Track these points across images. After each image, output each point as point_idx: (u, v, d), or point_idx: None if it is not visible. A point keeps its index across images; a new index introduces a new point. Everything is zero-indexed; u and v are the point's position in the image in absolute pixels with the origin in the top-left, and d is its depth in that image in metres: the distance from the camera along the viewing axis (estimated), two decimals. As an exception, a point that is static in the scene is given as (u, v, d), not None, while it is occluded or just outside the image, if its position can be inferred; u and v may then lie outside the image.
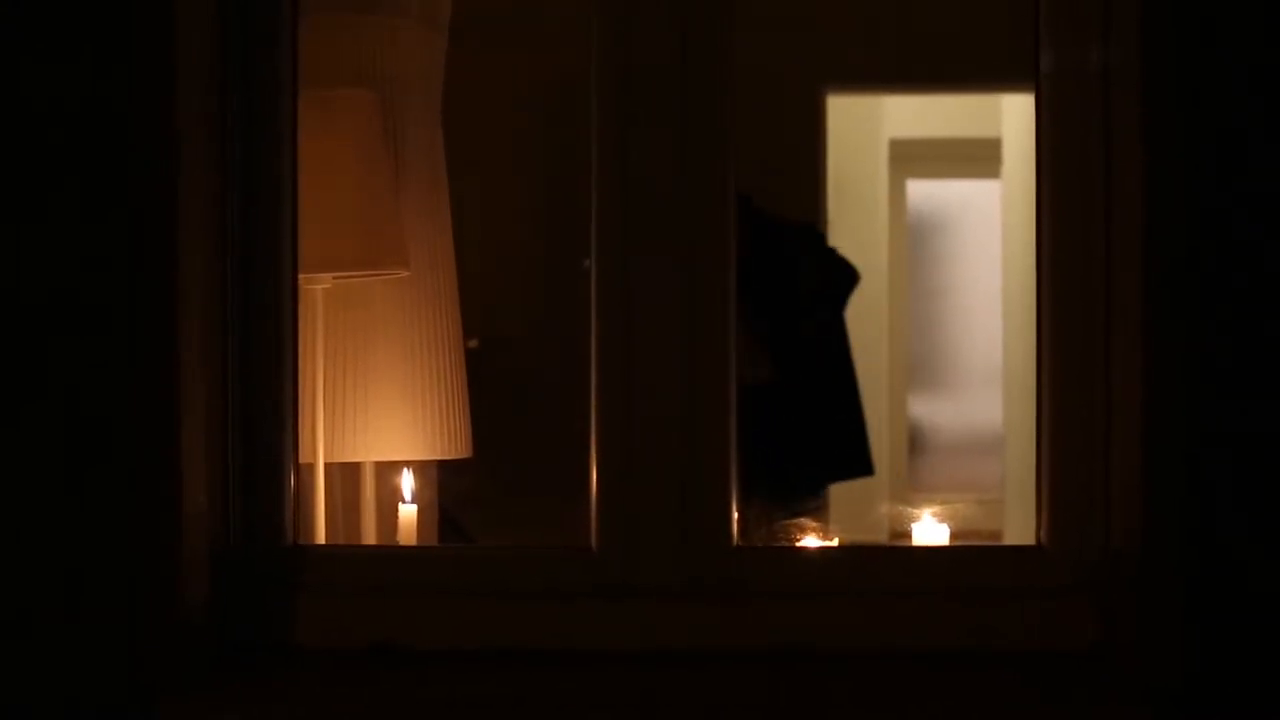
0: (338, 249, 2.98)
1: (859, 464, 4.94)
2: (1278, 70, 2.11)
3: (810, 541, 2.95)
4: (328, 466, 3.08)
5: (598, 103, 2.36)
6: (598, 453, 2.36)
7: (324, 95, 3.00)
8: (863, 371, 5.75)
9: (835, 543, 2.94)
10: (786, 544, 2.89)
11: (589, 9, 2.37)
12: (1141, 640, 2.16)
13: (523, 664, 2.28)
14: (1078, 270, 2.31)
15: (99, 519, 2.13)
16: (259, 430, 2.35)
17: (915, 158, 6.29)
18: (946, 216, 6.40)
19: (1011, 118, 5.60)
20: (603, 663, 2.28)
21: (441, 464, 3.39)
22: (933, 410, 6.32)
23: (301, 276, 2.48)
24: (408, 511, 3.09)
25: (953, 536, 2.83)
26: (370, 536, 3.18)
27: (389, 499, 3.20)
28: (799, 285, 4.61)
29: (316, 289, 3.02)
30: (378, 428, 3.15)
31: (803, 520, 3.11)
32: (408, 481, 3.12)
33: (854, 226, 5.92)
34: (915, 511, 2.87)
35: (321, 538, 3.01)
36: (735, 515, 2.36)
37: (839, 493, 5.10)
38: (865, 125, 6.04)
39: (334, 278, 3.05)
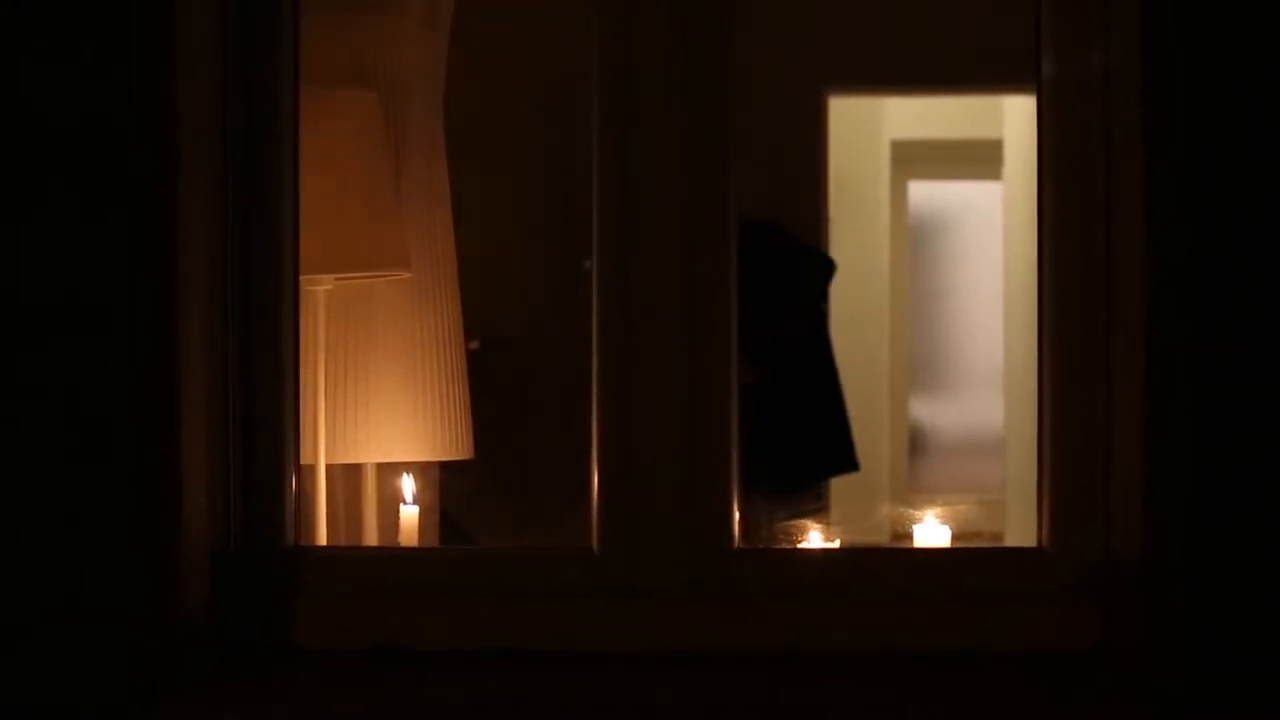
0: (339, 250, 2.98)
1: (843, 460, 4.91)
2: (1278, 71, 2.11)
3: (811, 543, 2.95)
4: (329, 467, 3.08)
5: (598, 103, 2.36)
6: (599, 454, 2.35)
7: (325, 95, 3.00)
8: (864, 373, 5.75)
9: (836, 544, 2.95)
10: (787, 545, 2.89)
11: (589, 9, 2.37)
12: (1142, 641, 2.16)
13: (523, 665, 2.27)
14: (1079, 272, 2.31)
15: (99, 520, 2.13)
16: (260, 431, 2.35)
17: (917, 159, 6.28)
18: (948, 218, 6.39)
19: (1013, 119, 5.59)
20: (603, 664, 2.28)
21: (443, 465, 3.39)
22: (934, 411, 6.31)
23: (302, 277, 2.48)
24: (409, 512, 3.09)
25: (954, 538, 2.83)
26: (371, 538, 3.18)
27: (390, 500, 3.20)
28: (770, 285, 4.57)
29: (318, 290, 3.02)
30: (379, 429, 3.15)
31: (804, 521, 3.11)
32: (408, 483, 3.12)
33: (855, 228, 5.91)
34: (917, 513, 2.87)
35: (323, 539, 3.00)
36: (736, 516, 2.36)
37: (840, 494, 5.09)
38: (866, 126, 6.03)
39: (335, 279, 3.05)
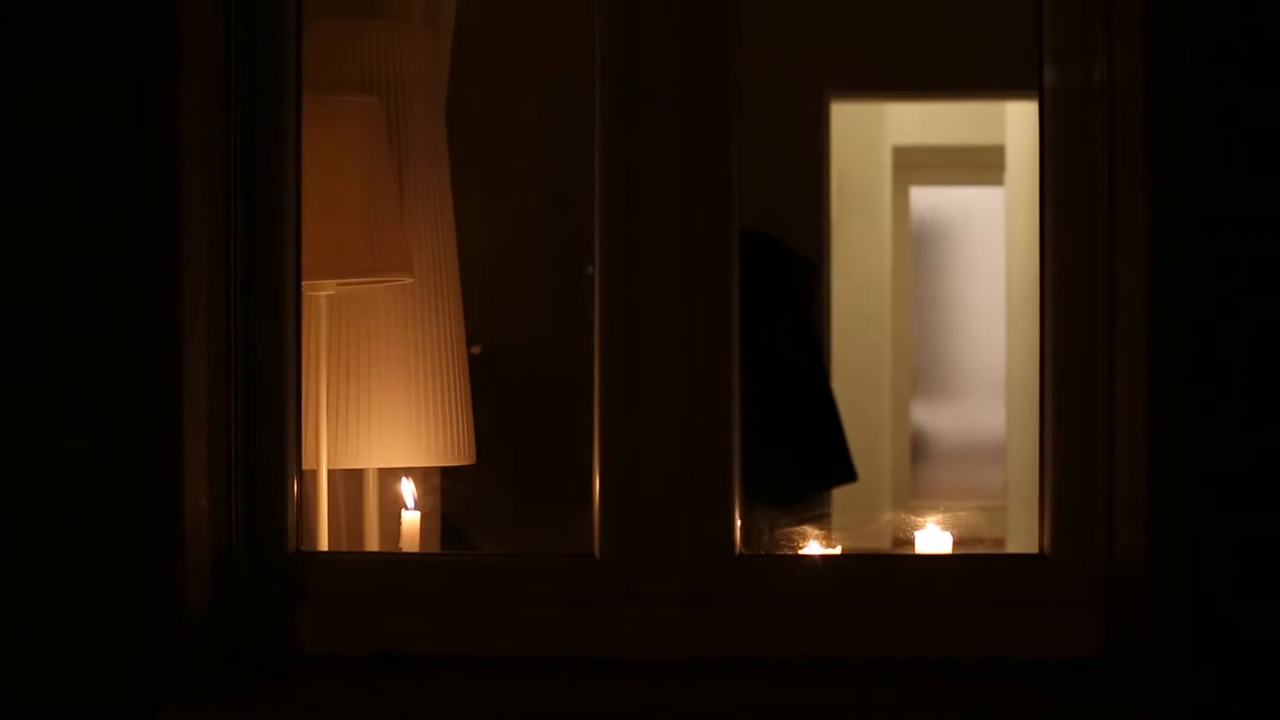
0: (342, 255, 2.97)
1: (841, 471, 4.88)
2: (1282, 79, 2.11)
3: (813, 549, 2.94)
4: (330, 473, 3.07)
5: (601, 109, 2.36)
6: (600, 459, 2.36)
7: (328, 101, 2.99)
8: (865, 378, 5.74)
9: (838, 550, 2.94)
10: (789, 552, 2.88)
11: (592, 13, 2.37)
12: (1145, 648, 2.16)
13: (525, 670, 2.27)
14: (1080, 278, 2.31)
15: (100, 523, 2.13)
16: (262, 437, 2.35)
17: (919, 164, 6.28)
18: (950, 223, 6.39)
19: (1015, 125, 5.59)
20: (606, 670, 2.28)
21: (444, 470, 3.39)
22: (936, 417, 6.31)
23: (305, 283, 2.48)
24: (410, 518, 3.08)
25: (955, 544, 2.82)
26: (373, 543, 3.17)
27: (392, 506, 3.20)
28: (759, 293, 4.53)
29: (320, 295, 3.02)
30: (381, 434, 3.15)
31: (805, 528, 3.11)
32: (410, 488, 3.11)
33: (857, 233, 5.91)
34: (918, 519, 2.87)
35: (324, 544, 3.00)
36: (738, 522, 2.36)
37: (842, 500, 5.09)
38: (869, 132, 6.03)
39: (338, 284, 3.05)
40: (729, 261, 2.35)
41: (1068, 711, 2.16)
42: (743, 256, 2.35)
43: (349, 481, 3.24)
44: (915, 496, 6.07)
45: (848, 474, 4.87)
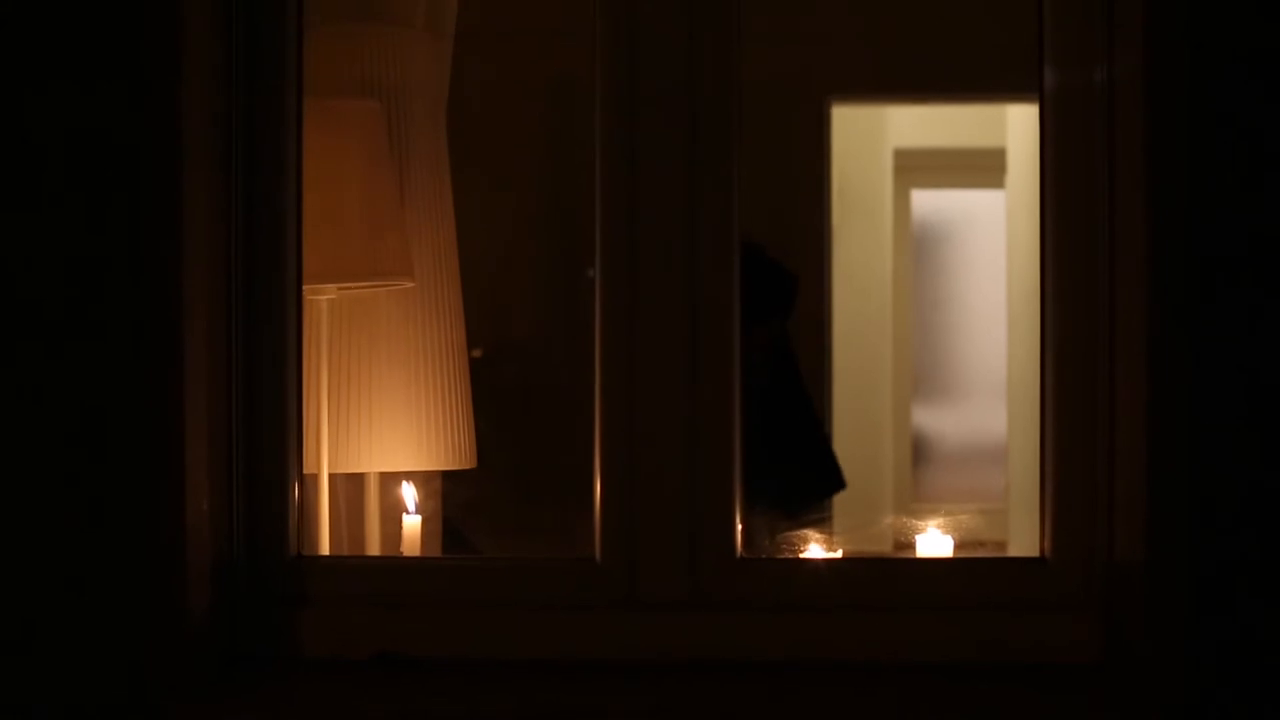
0: (342, 260, 2.97)
1: (829, 481, 4.82)
2: (1281, 83, 2.11)
3: (814, 552, 2.95)
4: (331, 477, 3.08)
5: (602, 111, 2.36)
6: (601, 463, 2.36)
7: (329, 106, 3.00)
8: (866, 381, 5.74)
9: (839, 554, 2.94)
10: (790, 555, 2.88)
11: (593, 17, 2.37)
12: (1145, 652, 2.16)
13: (527, 675, 2.27)
14: (1081, 282, 2.31)
15: (101, 529, 2.13)
16: (263, 441, 2.36)
17: (920, 167, 6.28)
18: (951, 226, 6.39)
19: (1016, 128, 5.59)
20: (607, 674, 2.28)
21: (445, 474, 3.39)
22: (937, 419, 6.31)
23: (306, 287, 2.48)
24: (411, 522, 3.08)
25: (956, 547, 2.82)
26: (374, 547, 3.17)
27: (393, 510, 3.20)
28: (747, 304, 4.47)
29: (321, 300, 3.02)
30: (381, 438, 3.15)
31: (806, 531, 3.11)
32: (411, 492, 3.11)
33: (858, 236, 5.91)
34: (919, 523, 2.87)
35: (325, 548, 3.00)
36: (739, 526, 2.36)
37: (843, 503, 5.09)
38: (870, 135, 6.03)
39: (338, 288, 3.05)
40: (729, 264, 2.35)
41: (1068, 715, 2.16)
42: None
43: (350, 486, 3.25)
44: (916, 500, 6.07)
45: (835, 482, 4.82)
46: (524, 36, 4.54)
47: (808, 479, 4.62)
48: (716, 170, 2.35)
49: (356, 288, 3.10)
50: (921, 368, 6.29)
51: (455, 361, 3.25)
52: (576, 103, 2.49)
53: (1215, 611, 2.10)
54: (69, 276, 2.13)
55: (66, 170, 2.13)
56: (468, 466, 3.29)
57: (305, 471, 2.49)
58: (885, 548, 4.10)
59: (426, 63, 3.29)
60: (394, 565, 2.76)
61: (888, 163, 6.10)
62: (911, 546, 2.84)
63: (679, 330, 2.34)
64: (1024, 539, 4.85)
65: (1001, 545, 5.02)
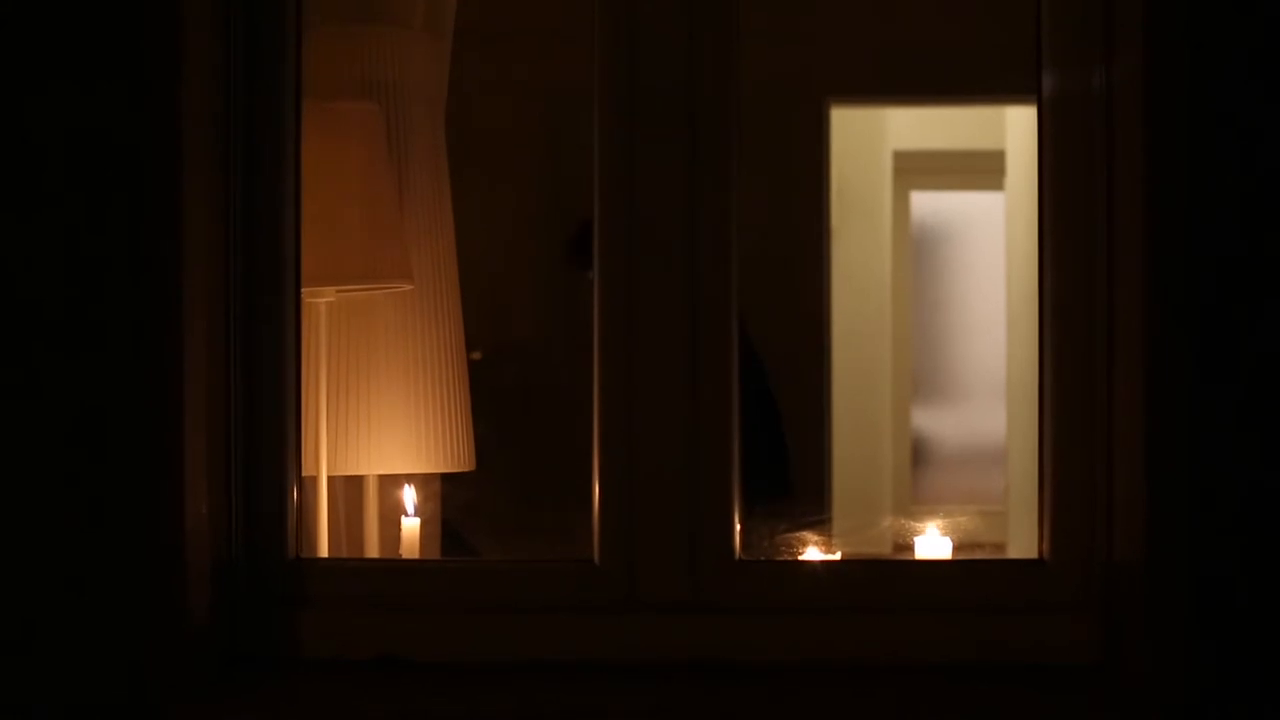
0: (341, 262, 2.98)
1: (776, 485, 4.73)
2: (1280, 84, 2.11)
3: (813, 554, 2.94)
4: (330, 479, 3.08)
5: (601, 113, 2.36)
6: (600, 466, 2.36)
7: (328, 107, 3.00)
8: (866, 383, 5.74)
9: (838, 556, 2.94)
10: (789, 557, 2.88)
11: (593, 18, 2.37)
12: (1145, 653, 2.16)
13: (526, 677, 2.27)
14: (1080, 282, 2.31)
15: (101, 529, 2.13)
16: (262, 443, 2.35)
17: (919, 169, 6.29)
18: (950, 228, 6.40)
19: (1015, 130, 5.60)
20: (607, 675, 2.28)
21: (445, 477, 3.39)
22: (936, 421, 6.31)
23: (305, 290, 2.48)
24: (410, 524, 3.08)
25: (955, 549, 2.82)
26: (373, 550, 3.17)
27: (392, 512, 3.20)
28: None
29: (319, 302, 3.02)
30: (380, 441, 3.15)
31: (805, 533, 3.10)
32: (410, 494, 3.11)
33: (858, 238, 5.91)
34: (918, 525, 2.87)
35: (324, 551, 3.00)
36: (738, 528, 2.36)
37: (842, 505, 5.09)
38: (869, 137, 6.04)
39: (337, 291, 3.05)
40: (728, 268, 2.35)
41: (1068, 715, 2.16)
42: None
43: (349, 488, 3.25)
44: (916, 501, 6.07)
45: (780, 489, 4.73)
46: (523, 36, 4.54)
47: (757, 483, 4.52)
48: (716, 170, 2.35)
49: (355, 290, 3.10)
50: (921, 369, 6.30)
51: (454, 364, 3.25)
52: (576, 104, 2.48)
53: (1215, 611, 2.10)
54: (69, 276, 2.13)
55: (66, 170, 2.13)
56: (467, 469, 3.29)
57: (304, 474, 2.49)
58: (884, 549, 4.10)
59: (425, 63, 3.29)
60: (393, 567, 2.76)
61: (887, 164, 6.10)
62: (911, 548, 2.84)
63: (678, 331, 2.34)
64: (1024, 541, 4.85)
65: (1001, 547, 5.03)
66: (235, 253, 2.33)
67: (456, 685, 2.25)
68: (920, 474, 6.24)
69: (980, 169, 6.01)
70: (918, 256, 6.33)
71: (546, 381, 4.49)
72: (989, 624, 2.31)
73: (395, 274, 3.08)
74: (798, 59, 4.85)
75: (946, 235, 6.38)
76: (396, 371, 3.18)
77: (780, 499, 4.62)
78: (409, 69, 3.24)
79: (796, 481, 4.81)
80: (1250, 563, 2.10)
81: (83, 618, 2.13)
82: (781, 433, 4.66)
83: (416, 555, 3.06)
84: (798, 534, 3.12)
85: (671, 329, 2.34)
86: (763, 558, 2.58)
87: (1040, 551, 2.33)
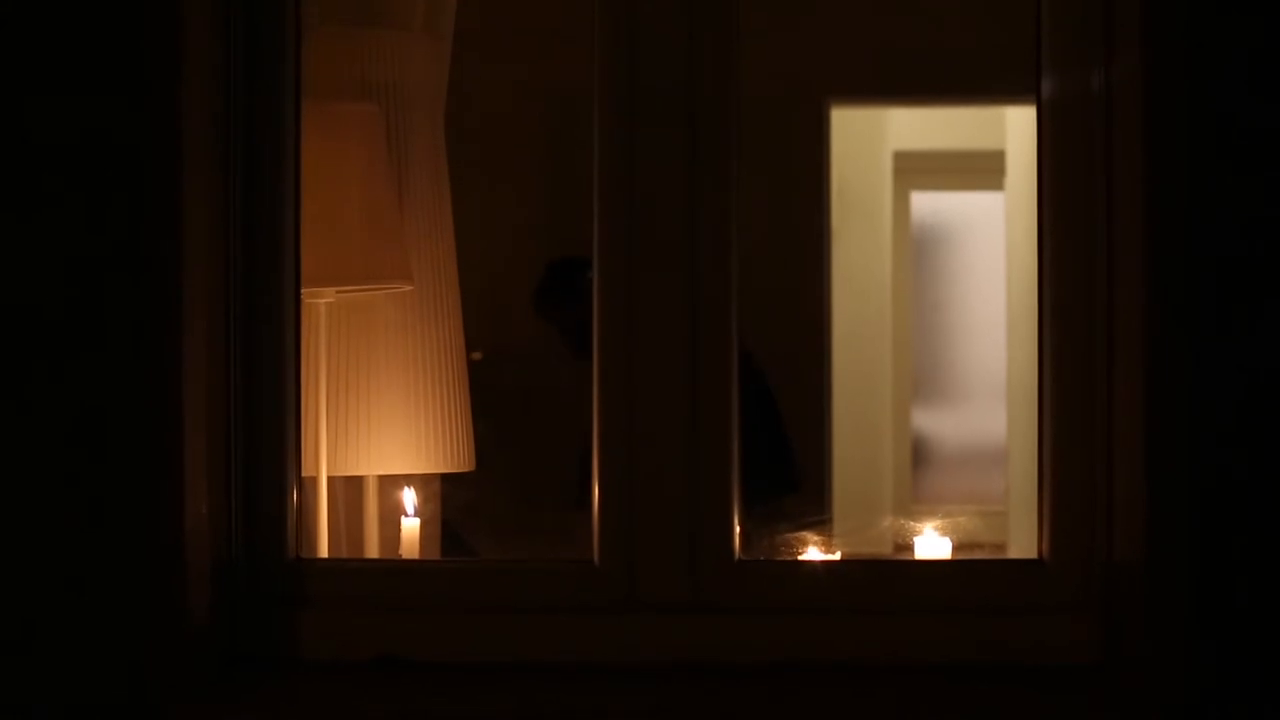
0: (340, 263, 2.98)
1: (780, 482, 4.71)
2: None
3: (813, 554, 2.95)
4: (330, 480, 3.08)
5: (601, 114, 2.36)
6: (599, 466, 2.35)
7: (328, 109, 3.00)
8: (866, 383, 5.75)
9: (838, 556, 2.94)
10: (789, 557, 2.89)
11: (593, 19, 2.37)
12: (1144, 653, 2.16)
13: (525, 677, 2.27)
14: (1080, 282, 2.31)
15: (101, 529, 2.13)
16: (261, 443, 2.35)
17: (919, 170, 6.30)
18: (950, 228, 6.41)
19: (1015, 130, 5.60)
20: (605, 676, 2.28)
21: (444, 477, 3.39)
22: (936, 422, 6.32)
23: (304, 291, 2.48)
24: (410, 525, 3.08)
25: (955, 549, 2.83)
26: (373, 550, 3.17)
27: (392, 512, 3.20)
28: None
29: (319, 303, 3.02)
30: (380, 441, 3.15)
31: (805, 534, 3.11)
32: (410, 495, 3.11)
33: (858, 238, 5.92)
34: (918, 525, 2.87)
35: (324, 551, 3.00)
36: (738, 529, 2.36)
37: (843, 505, 5.10)
38: (869, 137, 6.04)
39: (336, 291, 3.05)
40: (728, 268, 2.35)
41: (1068, 715, 2.16)
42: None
43: (349, 489, 3.25)
44: (916, 501, 6.08)
45: (786, 486, 4.71)
46: (523, 37, 4.55)
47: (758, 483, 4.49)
48: (716, 170, 2.35)
49: (355, 291, 3.10)
50: (921, 370, 6.30)
51: (454, 364, 3.25)
52: (576, 105, 2.48)
53: (1215, 611, 2.10)
54: (69, 277, 2.13)
55: (66, 170, 2.13)
56: (466, 469, 3.30)
57: (304, 475, 2.49)
58: (885, 549, 4.10)
59: (425, 64, 3.29)
60: (393, 568, 2.76)
61: (887, 165, 6.11)
62: (911, 548, 2.84)
63: (679, 331, 2.34)
64: (1024, 541, 4.86)
65: (1001, 548, 5.03)
66: (235, 253, 2.33)
67: (456, 686, 2.25)
68: (920, 474, 6.25)
69: (980, 169, 6.02)
70: (918, 257, 6.33)
71: (546, 382, 4.49)
72: (989, 624, 2.31)
73: (395, 275, 3.08)
74: (798, 59, 4.85)
75: (947, 235, 6.39)
76: (396, 372, 3.18)
77: (787, 495, 4.63)
78: (409, 70, 3.25)
79: (803, 477, 4.81)
80: (1250, 563, 2.10)
81: (83, 618, 2.13)
82: (783, 430, 4.66)
83: (416, 556, 3.07)
84: (798, 534, 3.12)
85: (671, 329, 2.34)
86: (763, 558, 2.58)
87: (1040, 551, 2.33)
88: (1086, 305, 2.30)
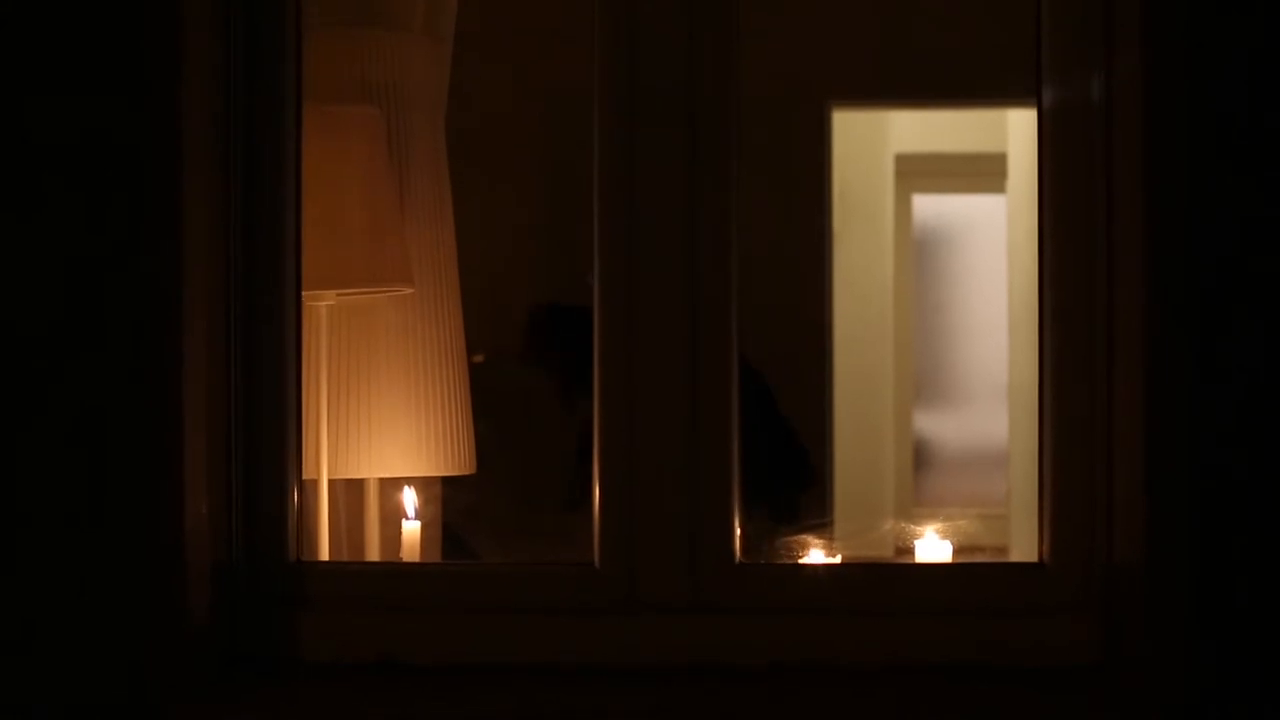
0: (341, 265, 2.98)
1: (799, 476, 4.71)
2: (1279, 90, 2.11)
3: (814, 557, 2.95)
4: (331, 482, 3.08)
5: (601, 116, 2.36)
6: (600, 468, 2.35)
7: (328, 111, 3.00)
8: (867, 386, 5.74)
9: (839, 559, 2.94)
10: (790, 560, 2.89)
11: (593, 20, 2.37)
12: (1145, 655, 2.16)
13: (526, 679, 2.27)
14: (1080, 283, 2.31)
15: (101, 529, 2.13)
16: (262, 446, 2.35)
17: (921, 172, 6.29)
18: (952, 231, 6.40)
19: (1017, 132, 5.60)
20: (606, 678, 2.28)
21: (445, 480, 3.39)
22: (938, 424, 6.31)
23: (305, 293, 2.48)
24: (411, 528, 3.08)
25: (957, 552, 2.83)
26: (374, 553, 3.18)
27: (392, 515, 3.20)
28: None
29: (320, 306, 3.02)
30: (381, 444, 3.15)
31: (806, 536, 3.11)
32: (410, 498, 3.11)
33: (859, 241, 5.92)
34: (919, 528, 2.87)
35: (324, 554, 3.00)
36: (738, 531, 2.35)
37: (844, 508, 5.10)
38: (871, 140, 6.04)
39: (337, 294, 3.05)
40: (728, 268, 2.35)
41: (1068, 715, 2.16)
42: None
43: (350, 491, 3.25)
44: (917, 504, 6.07)
45: (806, 479, 4.71)
46: (523, 37, 4.55)
47: (778, 482, 4.51)
48: (716, 170, 2.35)
49: (356, 294, 3.10)
50: (922, 373, 6.30)
51: (455, 367, 3.25)
52: (576, 107, 2.48)
53: (1215, 611, 2.09)
54: (69, 277, 2.13)
55: (66, 170, 2.13)
56: (467, 472, 3.30)
57: (305, 477, 2.49)
58: (886, 552, 4.10)
59: (425, 66, 3.29)
60: (394, 570, 2.76)
61: (889, 167, 6.11)
62: (912, 551, 2.84)
63: (679, 332, 2.34)
64: (1025, 544, 4.85)
65: (1003, 550, 5.03)
66: (235, 253, 2.33)
67: (457, 687, 2.25)
68: (922, 477, 6.24)
69: (982, 172, 6.01)
70: (919, 259, 6.33)
71: (547, 384, 4.49)
72: (988, 625, 2.31)
73: (396, 277, 3.08)
74: (799, 61, 4.85)
75: (948, 238, 6.39)
76: (397, 374, 3.18)
77: (809, 488, 4.62)
78: (409, 72, 3.25)
79: (816, 472, 4.81)
80: (1250, 563, 2.10)
81: (83, 618, 2.13)
82: (787, 426, 4.66)
83: (417, 558, 3.06)
84: (799, 537, 3.12)
85: (671, 329, 2.34)
86: (763, 561, 2.58)
87: (1040, 554, 2.33)
88: (1087, 307, 2.30)
